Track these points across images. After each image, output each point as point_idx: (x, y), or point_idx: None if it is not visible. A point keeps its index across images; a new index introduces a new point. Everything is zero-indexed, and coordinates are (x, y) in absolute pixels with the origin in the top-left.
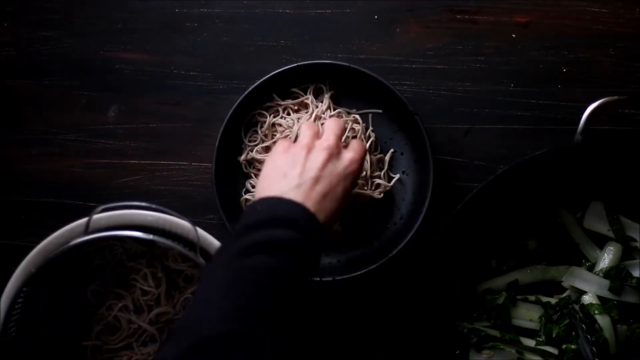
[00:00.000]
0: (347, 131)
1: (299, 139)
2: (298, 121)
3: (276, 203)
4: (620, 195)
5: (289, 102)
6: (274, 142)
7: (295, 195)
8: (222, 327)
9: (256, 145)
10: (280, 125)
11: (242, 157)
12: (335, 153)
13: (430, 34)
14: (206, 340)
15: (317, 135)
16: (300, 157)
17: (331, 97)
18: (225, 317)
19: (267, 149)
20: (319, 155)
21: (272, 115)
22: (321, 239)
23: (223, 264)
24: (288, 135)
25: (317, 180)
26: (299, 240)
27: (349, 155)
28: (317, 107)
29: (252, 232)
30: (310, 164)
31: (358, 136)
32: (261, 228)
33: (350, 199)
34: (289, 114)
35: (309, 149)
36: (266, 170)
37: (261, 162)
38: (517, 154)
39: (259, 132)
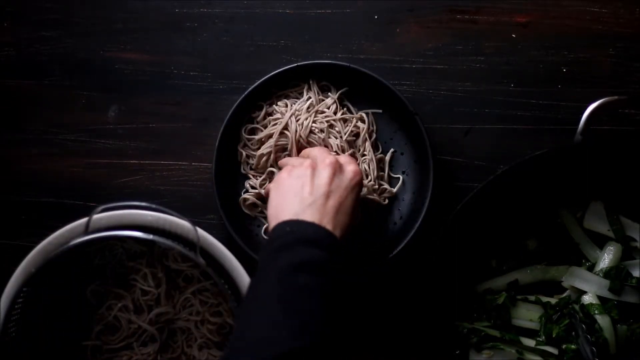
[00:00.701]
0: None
1: (299, 163)
2: (291, 107)
3: (300, 225)
4: (620, 195)
5: (287, 91)
6: (270, 136)
7: (311, 215)
8: (293, 343)
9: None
10: (275, 112)
11: (240, 146)
12: (337, 167)
13: (430, 34)
14: (278, 357)
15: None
16: (306, 177)
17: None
18: (294, 334)
19: (260, 142)
20: (324, 172)
21: (267, 105)
22: (343, 254)
23: (273, 281)
24: (279, 119)
25: (327, 195)
26: (330, 258)
27: (351, 167)
28: (316, 94)
29: (292, 250)
30: (318, 181)
31: (362, 135)
32: (299, 247)
33: (357, 211)
34: (285, 106)
35: (313, 167)
36: (275, 196)
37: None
38: (517, 154)
39: (257, 123)
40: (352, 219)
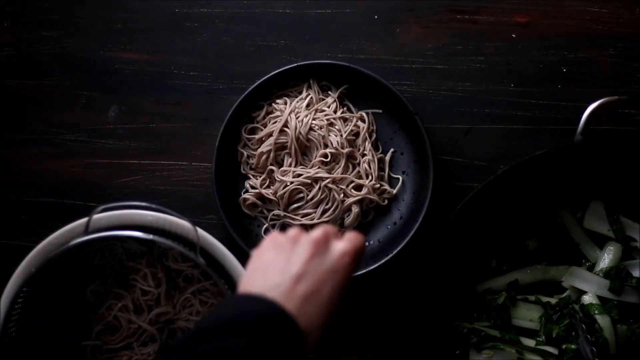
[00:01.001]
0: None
1: (287, 232)
2: (290, 104)
3: (244, 303)
4: (620, 195)
5: (287, 91)
6: (269, 135)
7: (276, 296)
8: None
9: (254, 135)
10: (274, 110)
11: (240, 146)
12: (322, 244)
13: (430, 34)
14: None
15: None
16: (284, 251)
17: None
18: None
19: (260, 142)
20: (303, 249)
21: (267, 104)
22: (299, 347)
23: None
24: (279, 117)
25: (299, 278)
26: (255, 350)
27: (341, 246)
28: (316, 93)
29: (195, 344)
30: (294, 258)
31: (362, 134)
32: (205, 339)
33: (341, 298)
34: (285, 103)
35: (295, 240)
36: (249, 266)
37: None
38: (517, 154)
39: (257, 123)
40: (331, 309)
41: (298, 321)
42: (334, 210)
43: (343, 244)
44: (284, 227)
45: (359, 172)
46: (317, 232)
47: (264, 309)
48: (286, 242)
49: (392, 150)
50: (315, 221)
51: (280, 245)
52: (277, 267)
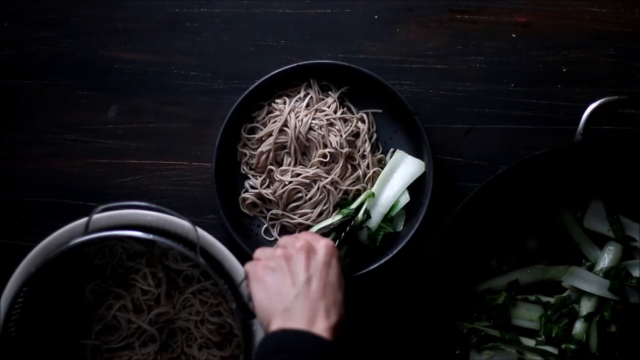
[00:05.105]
0: (347, 133)
1: (270, 254)
2: (289, 104)
3: (286, 337)
4: (620, 195)
5: (287, 91)
6: (269, 134)
7: (300, 307)
8: None
9: (253, 135)
10: (274, 109)
11: (240, 146)
12: (310, 249)
13: (430, 34)
14: None
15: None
16: (283, 268)
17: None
18: None
19: (260, 141)
20: (298, 258)
21: (267, 104)
22: (334, 351)
23: None
24: (278, 116)
25: (309, 281)
26: None
27: (322, 243)
28: (317, 92)
29: None
30: (296, 269)
31: (362, 135)
32: None
33: (345, 282)
34: (284, 103)
35: (287, 257)
36: (259, 295)
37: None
38: (517, 154)
39: (257, 123)
40: (342, 292)
41: (330, 319)
42: (332, 212)
43: (322, 242)
44: (283, 227)
45: (358, 173)
46: (299, 242)
47: (300, 338)
48: (279, 262)
49: (392, 150)
50: (311, 222)
51: (276, 267)
52: (287, 284)
